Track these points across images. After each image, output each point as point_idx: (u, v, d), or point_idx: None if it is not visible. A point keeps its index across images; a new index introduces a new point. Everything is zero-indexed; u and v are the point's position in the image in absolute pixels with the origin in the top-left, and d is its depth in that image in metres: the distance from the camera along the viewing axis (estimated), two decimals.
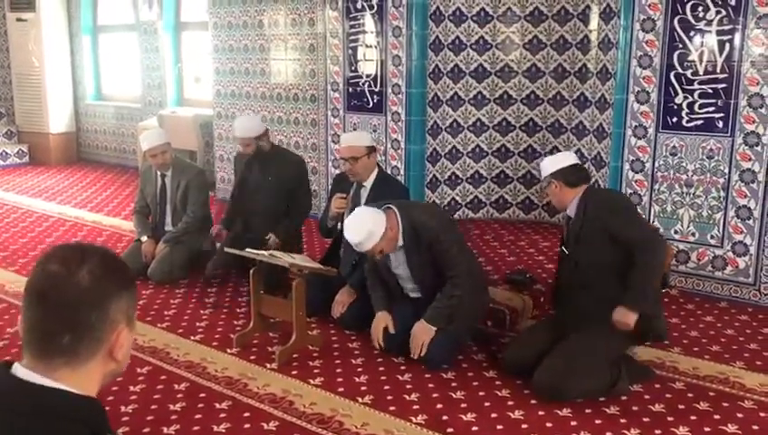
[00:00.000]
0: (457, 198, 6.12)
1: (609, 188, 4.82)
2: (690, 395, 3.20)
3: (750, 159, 4.23)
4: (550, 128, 6.01)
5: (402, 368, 3.45)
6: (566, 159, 3.50)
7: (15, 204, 6.98)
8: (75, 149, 9.66)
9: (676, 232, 4.55)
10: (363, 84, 5.91)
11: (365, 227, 3.27)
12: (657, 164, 4.56)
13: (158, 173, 4.80)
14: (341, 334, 3.85)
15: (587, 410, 3.04)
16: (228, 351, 3.64)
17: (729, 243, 4.38)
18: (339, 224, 4.04)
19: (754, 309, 4.25)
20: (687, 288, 4.52)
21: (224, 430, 2.90)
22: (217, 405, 3.09)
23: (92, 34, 9.46)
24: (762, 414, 3.03)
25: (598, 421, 2.96)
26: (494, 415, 3.00)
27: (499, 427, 2.91)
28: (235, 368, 3.44)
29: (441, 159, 6.01)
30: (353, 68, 5.96)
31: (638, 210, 4.17)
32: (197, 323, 4.01)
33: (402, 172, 5.74)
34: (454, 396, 3.17)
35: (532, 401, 3.11)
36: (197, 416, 3.00)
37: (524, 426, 2.92)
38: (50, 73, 9.22)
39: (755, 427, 2.92)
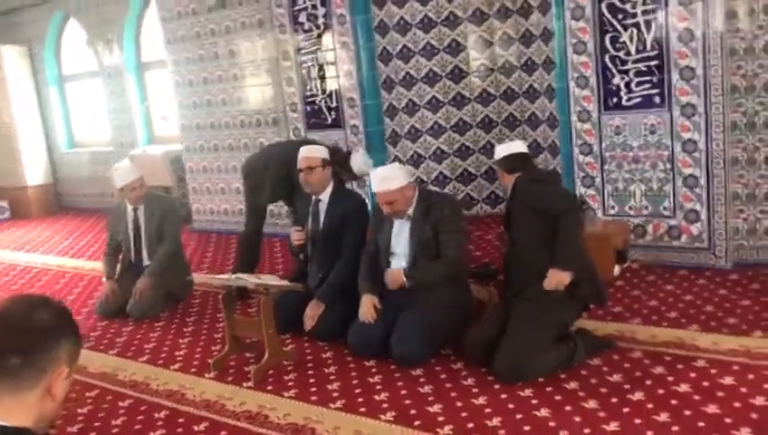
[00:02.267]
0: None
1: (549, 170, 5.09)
2: (647, 362, 3.34)
3: (689, 130, 4.39)
4: (505, 122, 6.18)
5: (373, 370, 3.57)
6: (511, 147, 3.72)
7: None
8: (54, 198, 9.80)
9: (630, 208, 4.71)
10: (320, 102, 6.07)
11: (392, 171, 3.70)
12: (604, 145, 4.72)
13: (130, 209, 4.94)
14: (315, 346, 3.97)
15: (548, 389, 3.17)
16: (206, 375, 3.76)
17: (681, 212, 4.53)
18: (305, 247, 4.24)
19: (712, 272, 4.40)
20: (648, 261, 4.67)
21: None
22: (195, 428, 3.21)
23: (58, 85, 9.63)
24: (713, 371, 3.17)
25: (558, 397, 3.09)
26: (459, 404, 3.13)
27: (464, 414, 3.04)
28: (212, 391, 3.57)
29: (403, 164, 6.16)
30: (308, 87, 6.12)
31: (565, 186, 4.38)
32: (176, 353, 4.13)
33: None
34: (421, 391, 3.29)
35: (496, 386, 3.25)
36: None
37: (488, 410, 3.05)
38: (21, 127, 9.39)
39: (705, 383, 3.06)
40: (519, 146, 3.78)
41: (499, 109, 6.17)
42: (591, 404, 3.00)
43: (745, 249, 4.47)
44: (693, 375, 3.15)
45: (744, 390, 2.97)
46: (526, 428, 2.86)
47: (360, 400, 3.29)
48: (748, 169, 4.38)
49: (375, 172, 3.75)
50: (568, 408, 2.99)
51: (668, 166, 4.51)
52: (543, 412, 2.96)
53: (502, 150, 3.72)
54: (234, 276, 3.86)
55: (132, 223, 4.95)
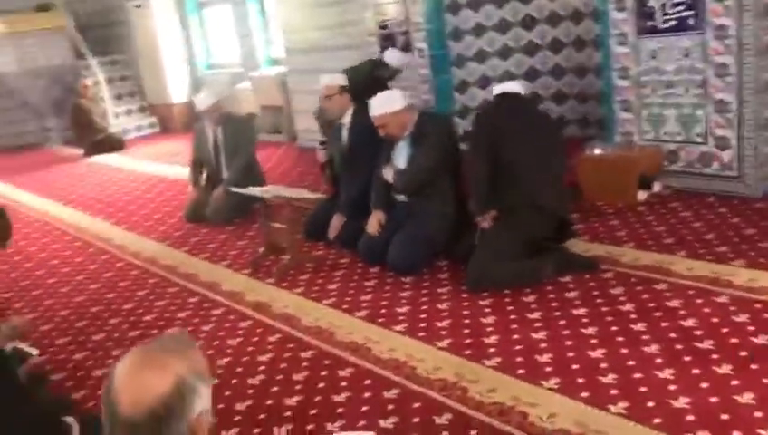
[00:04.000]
0: None
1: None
2: (612, 282, 3.54)
3: (721, 54, 4.26)
4: (572, 44, 6.17)
5: (373, 276, 4.06)
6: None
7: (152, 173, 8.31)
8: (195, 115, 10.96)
9: (665, 133, 4.68)
10: (391, 27, 6.40)
11: (387, 96, 4.09)
12: (640, 69, 4.69)
13: (211, 129, 5.68)
14: (337, 252, 4.53)
15: (506, 299, 3.50)
16: (269, 281, 4.41)
17: (712, 139, 4.45)
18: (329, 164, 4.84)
19: (739, 201, 4.35)
20: (678, 187, 4.66)
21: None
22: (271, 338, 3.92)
23: (198, 11, 10.61)
24: (667, 294, 3.32)
25: (510, 308, 3.42)
26: (424, 307, 3.56)
27: (422, 316, 3.47)
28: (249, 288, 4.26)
29: (471, 87, 6.38)
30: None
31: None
32: (231, 252, 4.87)
33: (432, 104, 6.20)
34: (401, 294, 3.75)
35: (463, 295, 3.63)
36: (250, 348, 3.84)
37: (444, 314, 3.46)
38: (167, 51, 10.52)
39: (650, 305, 3.24)
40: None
41: (567, 30, 6.16)
42: (535, 316, 3.30)
43: None
44: (646, 296, 3.33)
45: (682, 311, 3.13)
46: (466, 331, 3.25)
47: (348, 299, 3.81)
48: None
49: (373, 98, 4.11)
50: (513, 316, 3.32)
51: (701, 91, 4.42)
52: (490, 319, 3.33)
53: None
54: (264, 189, 4.49)
55: (213, 141, 5.69)
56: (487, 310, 3.44)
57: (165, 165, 8.35)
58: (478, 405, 2.63)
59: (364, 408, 2.74)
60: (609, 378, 2.70)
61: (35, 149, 10.76)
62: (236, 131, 5.62)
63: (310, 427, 2.67)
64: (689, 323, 3.03)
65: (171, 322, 3.85)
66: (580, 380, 2.71)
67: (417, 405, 2.70)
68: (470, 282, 3.66)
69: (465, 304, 3.54)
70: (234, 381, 3.10)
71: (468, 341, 3.16)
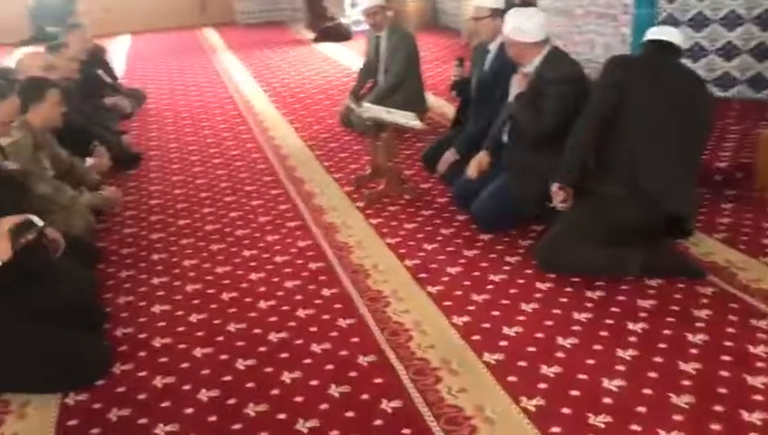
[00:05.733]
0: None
1: None
2: (704, 301, 2.84)
3: None
4: None
5: (453, 225, 3.73)
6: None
7: None
8: (432, 15, 10.74)
9: None
10: None
11: (527, 19, 3.44)
12: None
13: (375, 35, 5.49)
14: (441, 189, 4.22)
15: (566, 288, 3.00)
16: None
17: None
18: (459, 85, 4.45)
19: None
20: None
21: None
22: None
23: None
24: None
25: (562, 300, 2.92)
26: (475, 274, 3.19)
27: (466, 282, 3.12)
28: None
29: (681, 26, 5.35)
30: None
31: None
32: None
33: (628, 40, 5.34)
34: (449, 249, 3.40)
35: (527, 271, 3.18)
36: None
37: (490, 287, 3.07)
38: None
39: (727, 345, 2.55)
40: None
41: None
42: (580, 316, 2.79)
43: None
44: (730, 331, 2.63)
45: None
46: (494, 312, 2.86)
47: (411, 244, 3.54)
48: None
49: (511, 13, 3.54)
50: (555, 311, 2.84)
51: None
52: (527, 307, 2.88)
53: None
54: (366, 107, 4.28)
55: (374, 48, 5.50)
56: (537, 294, 2.97)
57: None
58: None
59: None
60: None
61: (280, 27, 11.45)
62: (395, 44, 5.34)
63: None
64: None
65: (243, 227, 3.88)
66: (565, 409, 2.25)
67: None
68: (540, 260, 3.17)
69: (521, 281, 3.10)
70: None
71: (484, 325, 2.78)
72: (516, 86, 3.57)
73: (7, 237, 2.40)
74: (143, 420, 2.36)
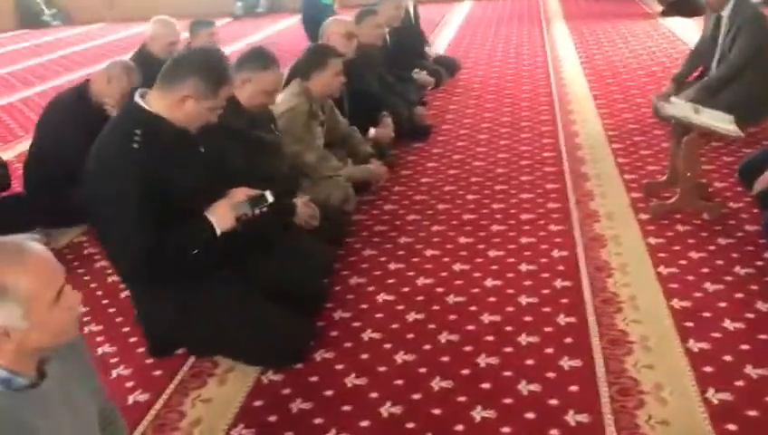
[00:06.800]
0: None
1: None
2: None
3: None
4: None
5: None
6: None
7: None
8: None
9: None
10: None
11: None
12: None
13: (714, 14, 4.59)
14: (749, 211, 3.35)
15: None
16: None
17: None
18: None
19: None
20: None
21: None
22: None
23: None
24: None
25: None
26: None
27: None
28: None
29: None
30: None
31: None
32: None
33: None
34: None
35: None
36: None
37: None
38: None
39: None
40: None
41: None
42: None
43: None
44: None
45: None
46: None
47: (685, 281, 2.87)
48: None
49: None
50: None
51: None
52: None
53: None
54: (679, 103, 3.53)
55: (713, 28, 4.59)
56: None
57: None
58: None
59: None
60: None
61: None
62: (741, 21, 4.37)
63: None
64: None
65: (500, 222, 3.53)
66: None
67: None
68: None
69: None
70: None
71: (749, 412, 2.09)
72: None
73: (232, 208, 2.44)
74: (319, 420, 2.24)
